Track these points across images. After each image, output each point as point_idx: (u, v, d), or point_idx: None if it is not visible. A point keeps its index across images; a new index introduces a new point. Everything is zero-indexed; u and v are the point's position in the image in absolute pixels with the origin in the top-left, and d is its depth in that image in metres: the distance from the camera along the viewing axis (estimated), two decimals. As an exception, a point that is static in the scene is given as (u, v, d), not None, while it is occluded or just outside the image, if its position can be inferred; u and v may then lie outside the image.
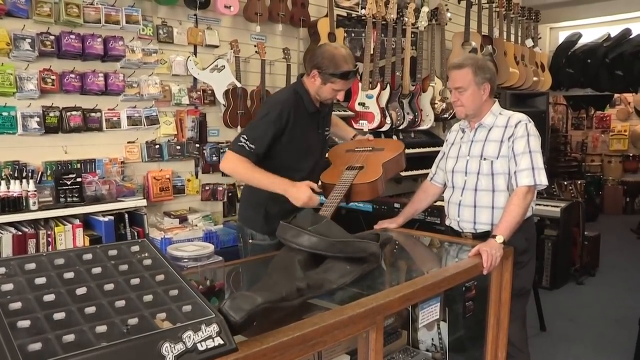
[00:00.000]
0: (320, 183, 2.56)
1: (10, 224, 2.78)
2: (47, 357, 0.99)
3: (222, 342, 1.15)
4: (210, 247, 1.59)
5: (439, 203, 3.00)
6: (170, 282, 1.33)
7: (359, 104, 4.70)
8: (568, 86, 7.38)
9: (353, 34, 4.87)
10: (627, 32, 7.20)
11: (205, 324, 1.15)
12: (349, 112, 4.67)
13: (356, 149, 2.76)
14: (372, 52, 4.70)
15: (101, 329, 1.09)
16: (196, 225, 3.51)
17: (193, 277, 1.55)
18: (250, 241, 2.60)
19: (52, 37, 3.00)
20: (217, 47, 3.84)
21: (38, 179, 2.96)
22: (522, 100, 4.08)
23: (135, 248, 1.46)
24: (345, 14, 4.77)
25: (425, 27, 5.16)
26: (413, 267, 2.43)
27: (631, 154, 8.54)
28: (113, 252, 1.41)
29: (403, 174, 4.67)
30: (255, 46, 3.98)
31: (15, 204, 2.75)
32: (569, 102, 8.80)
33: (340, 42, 4.47)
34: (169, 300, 1.24)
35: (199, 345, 1.12)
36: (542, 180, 2.43)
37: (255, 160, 2.38)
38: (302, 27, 4.31)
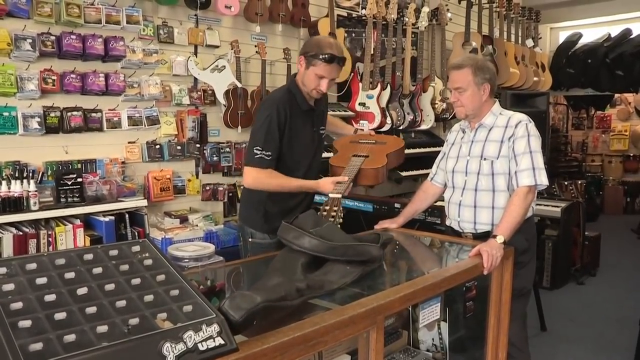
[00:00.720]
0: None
1: (11, 224, 2.78)
2: (48, 357, 0.99)
3: (222, 342, 1.16)
4: (211, 247, 1.59)
5: (439, 203, 3.00)
6: (171, 282, 1.33)
7: (359, 104, 4.70)
8: (568, 86, 7.39)
9: (353, 34, 4.87)
10: (628, 32, 7.20)
11: (206, 324, 1.15)
12: (350, 112, 4.67)
13: (360, 141, 2.86)
14: (372, 52, 4.70)
15: (102, 329, 1.09)
16: (197, 226, 3.51)
17: (194, 277, 1.55)
18: (250, 240, 2.61)
19: (52, 38, 3.00)
20: (217, 47, 3.84)
21: (39, 179, 2.96)
22: (522, 100, 4.08)
23: (136, 248, 1.46)
24: (345, 14, 4.78)
25: (425, 27, 5.17)
26: (414, 267, 2.43)
27: (632, 154, 8.54)
28: (114, 252, 1.41)
29: (403, 174, 4.68)
30: (255, 46, 3.99)
31: (16, 204, 2.75)
32: (569, 102, 8.80)
33: (340, 43, 4.48)
34: (170, 300, 1.24)
35: (199, 345, 1.12)
36: (543, 180, 2.43)
37: (275, 166, 2.44)
38: (303, 27, 4.31)
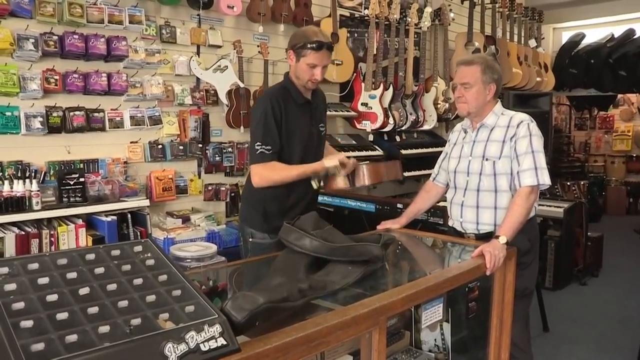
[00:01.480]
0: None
1: (14, 223, 2.78)
2: (49, 357, 0.99)
3: (224, 342, 1.15)
4: (213, 248, 1.58)
5: (441, 203, 3.00)
6: (173, 282, 1.32)
7: (361, 104, 4.70)
8: (571, 86, 7.38)
9: (356, 34, 4.87)
10: (631, 32, 7.19)
11: (208, 324, 1.15)
12: (352, 113, 4.67)
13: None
14: (375, 52, 4.69)
15: (104, 329, 1.09)
16: (199, 226, 3.51)
17: (196, 277, 1.55)
18: (251, 240, 2.60)
19: (55, 37, 3.00)
20: (220, 47, 3.84)
21: (41, 179, 2.96)
22: (525, 100, 4.07)
23: (138, 248, 1.46)
24: (348, 14, 4.78)
25: (428, 28, 5.16)
26: (416, 268, 2.42)
27: (634, 155, 8.51)
28: (116, 252, 1.41)
29: (406, 174, 4.66)
30: (258, 46, 3.98)
31: (18, 204, 2.75)
32: (572, 102, 8.78)
33: (343, 43, 4.48)
34: (172, 301, 1.24)
35: (201, 345, 1.11)
36: (545, 180, 2.42)
37: (277, 158, 2.44)
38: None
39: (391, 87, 4.80)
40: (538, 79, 6.21)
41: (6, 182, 2.77)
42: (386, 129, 4.77)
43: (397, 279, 2.17)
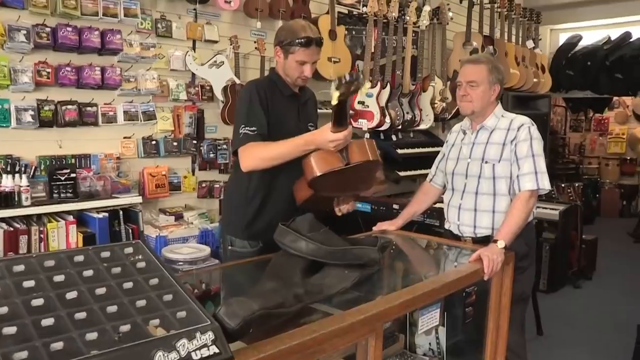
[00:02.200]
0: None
1: (2, 219, 2.72)
2: (33, 366, 0.94)
3: (217, 350, 1.11)
4: (206, 250, 1.54)
5: (438, 205, 2.97)
6: (165, 286, 1.28)
7: (358, 102, 4.65)
8: (568, 88, 7.35)
9: (354, 32, 4.81)
10: (627, 35, 7.16)
11: (200, 331, 1.10)
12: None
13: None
14: (372, 51, 4.65)
15: (91, 336, 1.04)
16: (192, 223, 3.45)
17: (188, 280, 1.51)
18: (230, 248, 2.45)
19: (48, 29, 2.94)
20: (216, 42, 3.79)
21: (31, 173, 2.90)
22: (524, 102, 4.04)
23: (129, 250, 1.41)
24: (346, 11, 4.72)
25: (426, 27, 5.11)
26: (413, 272, 2.38)
27: (628, 157, 8.51)
28: (106, 254, 1.36)
29: (402, 174, 4.63)
30: (255, 42, 3.93)
31: (7, 199, 2.69)
32: (568, 104, 8.77)
33: (341, 40, 4.43)
34: (163, 306, 1.19)
35: (193, 354, 1.07)
36: (545, 184, 2.40)
37: (263, 140, 2.25)
38: (303, 23, 4.25)
39: (388, 86, 4.75)
40: (535, 80, 6.18)
41: (-5, 176, 2.71)
42: (382, 128, 4.72)
43: (393, 283, 2.13)
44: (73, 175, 2.91)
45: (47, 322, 1.06)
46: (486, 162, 2.48)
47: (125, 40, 3.22)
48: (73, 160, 3.11)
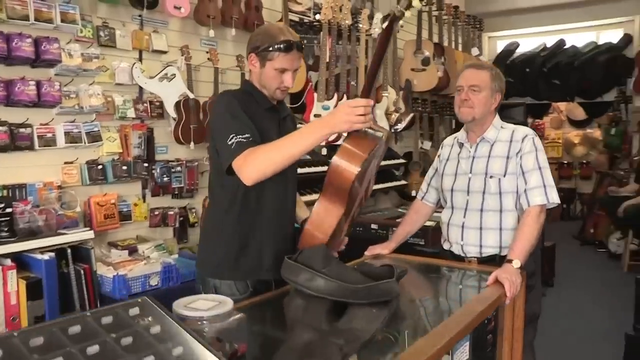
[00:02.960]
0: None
1: None
2: None
3: None
4: (228, 303, 1.19)
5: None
6: (193, 357, 0.95)
7: (314, 115, 4.37)
8: (508, 95, 7.42)
9: (305, 41, 4.54)
10: (562, 42, 7.37)
11: None
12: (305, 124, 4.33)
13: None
14: (328, 60, 4.39)
15: None
16: (148, 257, 3.03)
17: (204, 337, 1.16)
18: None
19: (-32, 37, 2.47)
20: (165, 52, 3.40)
21: (-45, 210, 2.40)
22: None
23: (135, 311, 1.07)
24: (297, 19, 4.45)
25: (378, 34, 4.93)
26: (433, 303, 2.10)
27: (566, 162, 8.75)
28: (107, 320, 1.02)
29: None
30: (207, 52, 3.57)
31: None
32: (506, 111, 8.91)
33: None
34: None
35: None
36: (554, 198, 2.24)
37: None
38: (256, 32, 3.93)
39: (345, 97, 4.51)
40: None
41: None
42: (339, 142, 4.45)
43: (419, 319, 1.86)
44: (8, 210, 2.43)
45: None
46: (491, 177, 2.30)
47: (63, 49, 2.78)
48: (5, 192, 2.62)
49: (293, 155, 1.78)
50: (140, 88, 3.27)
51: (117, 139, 3.12)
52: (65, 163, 2.91)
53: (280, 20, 4.04)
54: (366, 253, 2.42)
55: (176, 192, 3.50)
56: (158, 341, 1.00)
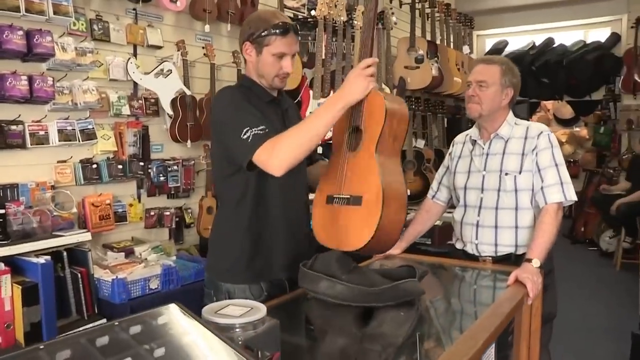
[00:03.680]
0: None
1: None
2: None
3: None
4: (262, 309, 1.10)
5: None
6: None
7: (310, 113, 4.28)
8: (497, 93, 7.42)
9: (300, 37, 4.45)
10: (550, 41, 7.38)
11: None
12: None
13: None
14: (323, 57, 4.31)
15: None
16: (146, 259, 2.91)
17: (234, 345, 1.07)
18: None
19: (-43, 29, 2.33)
20: (160, 48, 3.28)
21: (-56, 212, 2.27)
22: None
23: (164, 319, 0.97)
24: (291, 15, 4.36)
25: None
26: (457, 304, 2.03)
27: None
28: (136, 329, 0.92)
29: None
30: (203, 48, 3.46)
31: None
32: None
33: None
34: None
35: None
36: (572, 196, 2.19)
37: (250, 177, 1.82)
38: (252, 27, 3.83)
39: (341, 95, 4.42)
40: (473, 86, 6.12)
41: None
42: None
43: (447, 321, 1.79)
44: (1, 211, 2.30)
45: None
46: (506, 174, 2.25)
47: (57, 43, 2.65)
48: (-4, 193, 2.49)
49: (319, 133, 1.69)
50: (135, 84, 3.15)
51: (112, 137, 3.00)
52: (59, 162, 2.79)
53: (276, 15, 3.94)
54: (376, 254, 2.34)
55: (172, 192, 3.38)
56: (191, 350, 0.91)
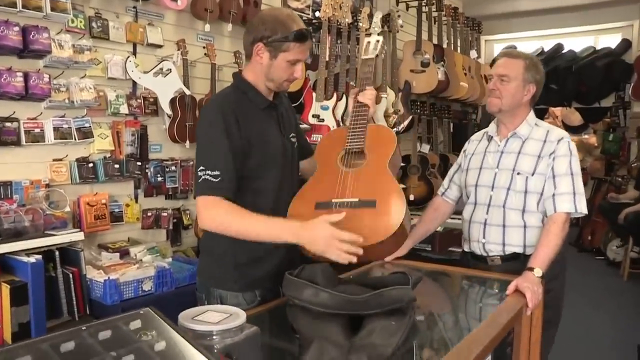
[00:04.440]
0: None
1: None
2: None
3: None
4: (241, 315, 1.05)
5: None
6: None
7: (312, 116, 4.23)
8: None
9: (305, 40, 4.41)
10: (560, 47, 7.30)
11: None
12: (305, 125, 4.19)
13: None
14: (327, 59, 4.26)
15: None
16: (141, 261, 2.87)
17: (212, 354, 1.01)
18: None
19: (-48, 24, 2.30)
20: (160, 47, 3.24)
21: None
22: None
23: (137, 324, 0.93)
24: (296, 17, 4.31)
25: (378, 34, 4.80)
26: (453, 315, 1.98)
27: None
28: (106, 335, 0.87)
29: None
30: (204, 47, 3.43)
31: None
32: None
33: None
34: None
35: None
36: (582, 208, 2.13)
37: (233, 191, 1.74)
38: (254, 27, 3.79)
39: (344, 98, 4.37)
40: (481, 91, 6.05)
41: None
42: (340, 143, 4.33)
43: (441, 331, 1.73)
44: (-8, 209, 2.27)
45: None
46: (518, 174, 2.20)
47: (54, 40, 2.61)
48: (-11, 190, 2.46)
49: (250, 237, 1.73)
50: (134, 83, 3.11)
51: (109, 135, 2.96)
52: (54, 160, 2.75)
53: (280, 16, 3.90)
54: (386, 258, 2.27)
55: (170, 193, 3.34)
56: (163, 359, 0.86)
